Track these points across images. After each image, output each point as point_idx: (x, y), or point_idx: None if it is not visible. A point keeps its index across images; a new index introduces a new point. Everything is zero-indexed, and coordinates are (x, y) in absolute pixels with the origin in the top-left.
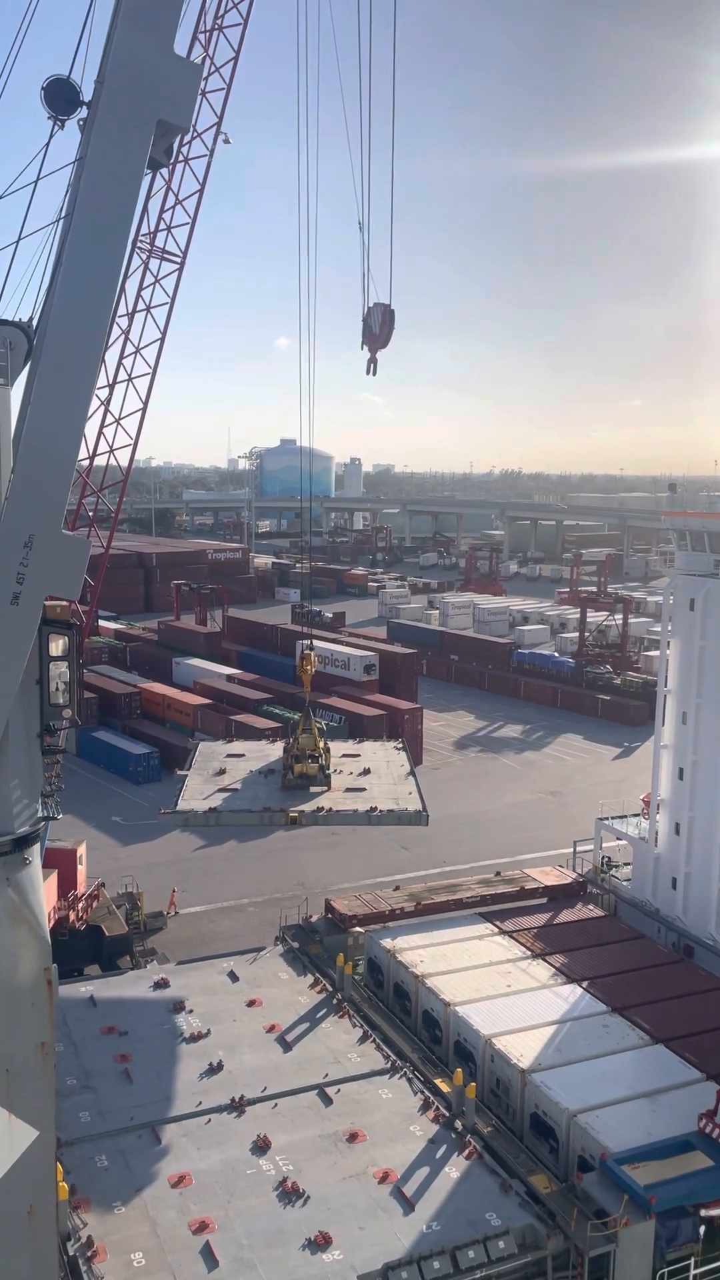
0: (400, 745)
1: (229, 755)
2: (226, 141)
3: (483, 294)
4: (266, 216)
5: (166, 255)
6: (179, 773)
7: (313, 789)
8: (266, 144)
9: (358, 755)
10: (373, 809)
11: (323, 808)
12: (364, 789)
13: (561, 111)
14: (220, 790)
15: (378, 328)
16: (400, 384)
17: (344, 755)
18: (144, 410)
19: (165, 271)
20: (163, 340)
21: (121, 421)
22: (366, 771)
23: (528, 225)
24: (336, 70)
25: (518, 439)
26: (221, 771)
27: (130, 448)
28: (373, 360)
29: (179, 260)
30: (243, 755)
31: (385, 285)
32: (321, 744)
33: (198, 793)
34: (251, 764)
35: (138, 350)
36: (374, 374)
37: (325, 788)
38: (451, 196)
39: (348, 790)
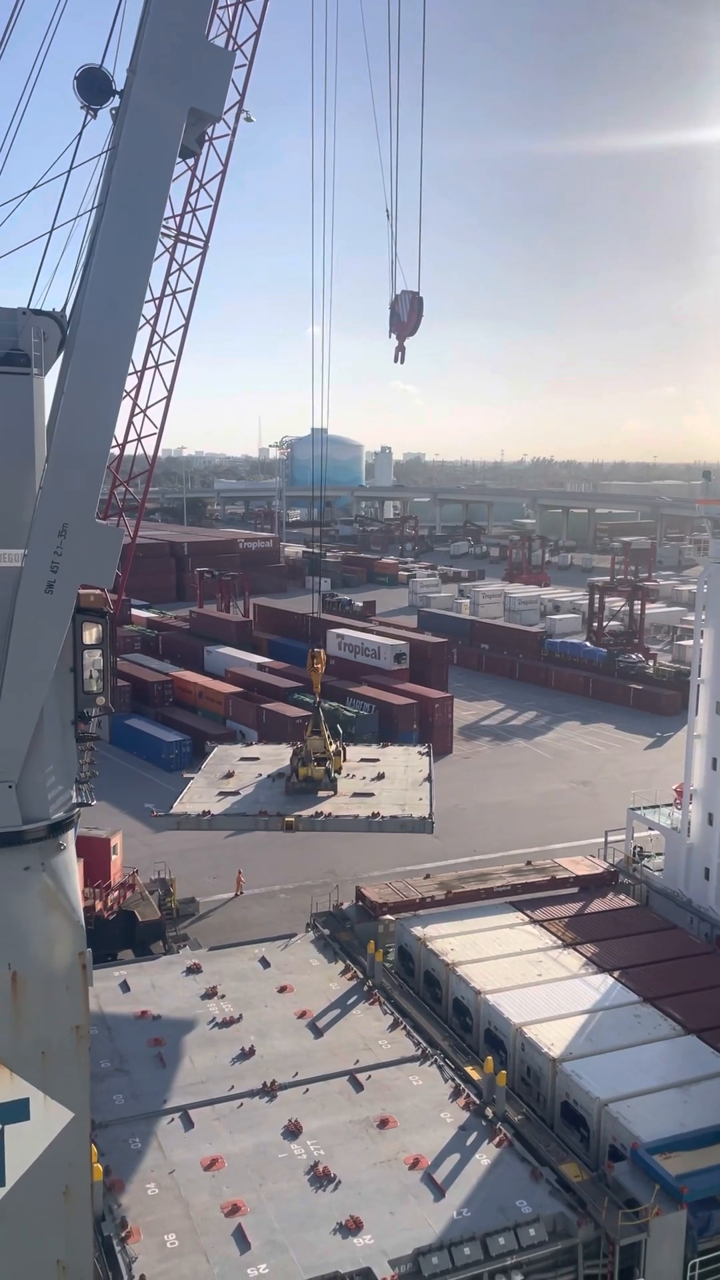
0: (425, 750)
1: (243, 759)
2: (249, 119)
3: (514, 280)
4: (300, 204)
5: (190, 239)
6: (185, 775)
7: (320, 793)
8: (299, 127)
9: (376, 760)
10: (374, 815)
11: (323, 813)
12: (372, 794)
13: (594, 90)
14: (222, 794)
15: (406, 315)
16: (431, 372)
17: (362, 759)
18: (168, 398)
19: (189, 256)
20: (186, 326)
21: (147, 411)
22: (380, 776)
23: (560, 208)
24: (365, 54)
25: (550, 427)
26: (230, 774)
27: (155, 436)
28: (400, 348)
29: (202, 244)
30: (257, 759)
31: (414, 272)
32: (334, 746)
33: (198, 795)
34: (264, 767)
35: (163, 339)
36: (402, 362)
37: (331, 792)
38: (481, 181)
39: (355, 795)
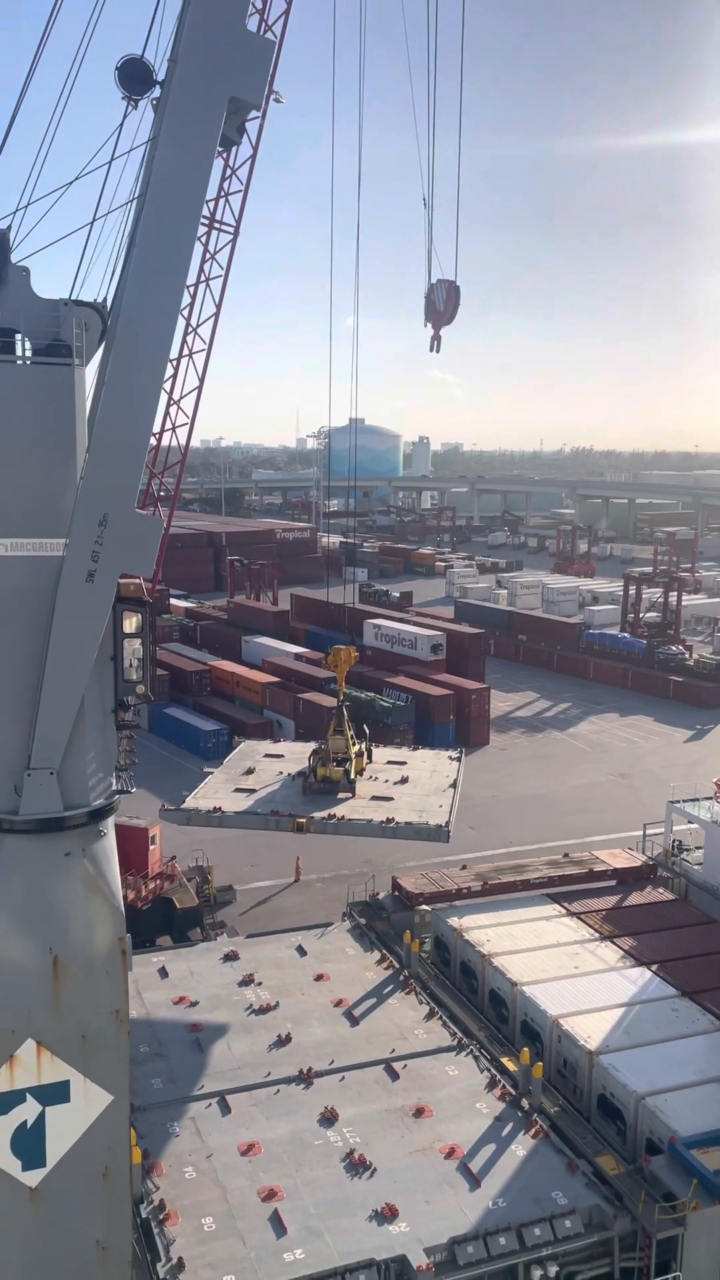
0: (456, 755)
1: (266, 755)
2: (279, 100)
3: (556, 270)
4: (344, 193)
5: (222, 226)
6: (205, 770)
7: (340, 794)
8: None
9: (403, 763)
10: (388, 820)
11: (336, 816)
12: (391, 798)
13: (645, 83)
14: (238, 790)
15: (442, 304)
16: (471, 361)
17: (389, 761)
18: (200, 388)
19: (221, 243)
20: (218, 315)
21: (180, 401)
22: (404, 780)
23: (603, 200)
24: (404, 43)
25: (589, 416)
26: (250, 771)
27: (188, 426)
28: (436, 337)
29: (233, 230)
30: (281, 756)
31: (450, 261)
32: (358, 747)
33: (213, 791)
34: (288, 765)
35: (195, 328)
36: (438, 351)
37: (350, 794)
38: (522, 174)
39: (373, 798)
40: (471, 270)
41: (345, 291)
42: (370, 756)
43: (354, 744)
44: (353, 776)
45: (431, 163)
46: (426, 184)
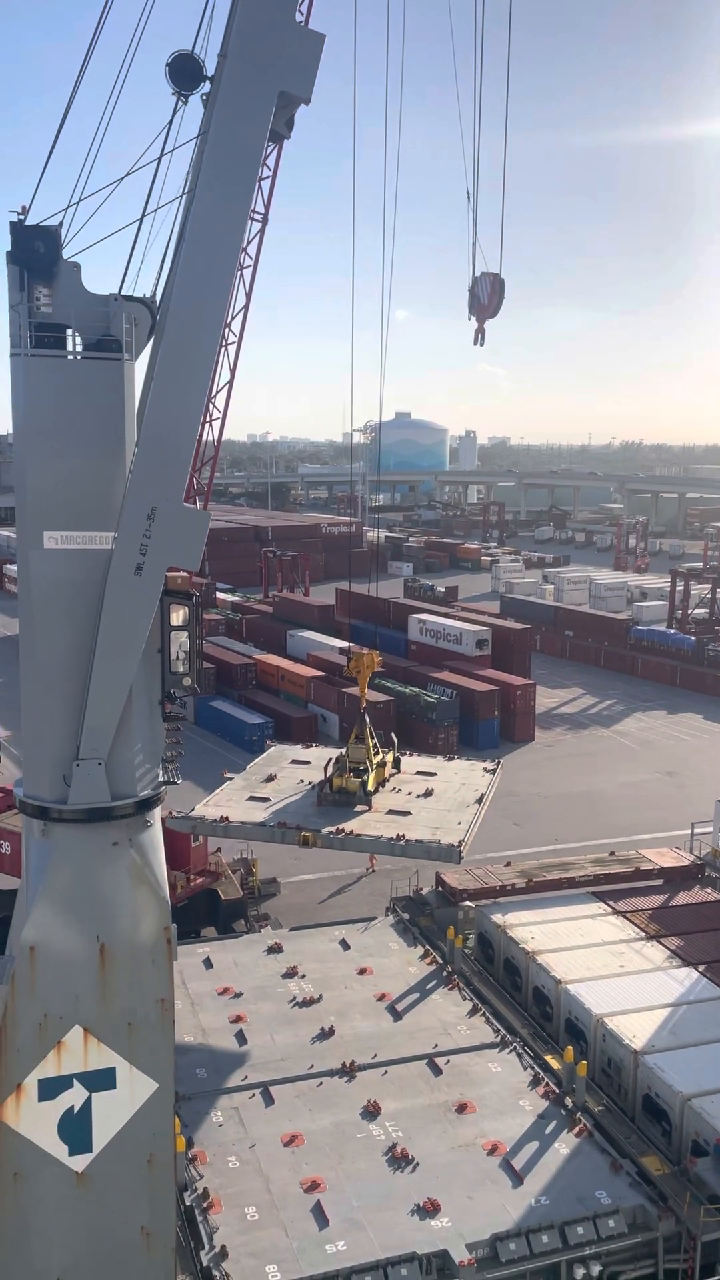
0: (492, 767)
1: (294, 761)
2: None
3: (607, 263)
4: (377, 186)
5: (251, 214)
6: (225, 775)
7: (357, 807)
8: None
9: (434, 774)
10: (398, 837)
11: (345, 830)
12: (409, 813)
13: (693, 74)
14: (252, 799)
15: (486, 297)
16: (519, 355)
17: (418, 772)
18: (231, 383)
19: (251, 233)
20: (247, 308)
21: (214, 397)
22: (429, 793)
23: (653, 193)
24: (449, 30)
25: (639, 409)
26: (271, 778)
27: (220, 421)
28: (480, 330)
29: (262, 219)
30: (308, 763)
31: (495, 254)
32: (380, 756)
33: (226, 798)
34: (313, 773)
35: (227, 323)
36: (481, 344)
37: (366, 807)
38: (569, 164)
39: (390, 812)
40: (519, 263)
41: (393, 287)
42: (399, 766)
43: (379, 753)
44: (370, 788)
45: (476, 155)
46: (470, 177)
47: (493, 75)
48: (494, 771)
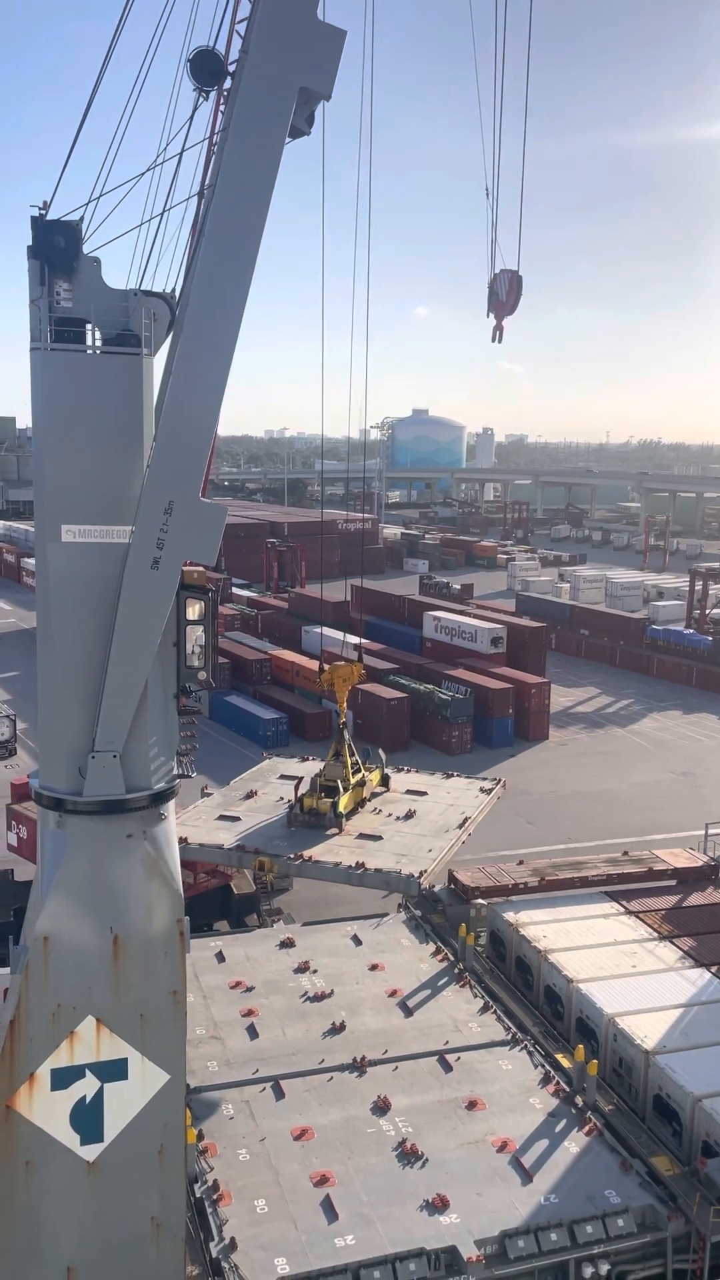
0: (490, 787)
1: (282, 775)
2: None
3: (626, 263)
4: (408, 185)
5: None
6: (205, 791)
7: (329, 830)
8: (410, 115)
9: (424, 794)
10: (356, 865)
11: (303, 856)
12: (380, 838)
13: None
14: (222, 817)
15: (504, 294)
16: (538, 353)
17: (408, 791)
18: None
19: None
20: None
21: None
22: (409, 815)
23: (673, 193)
24: (470, 24)
25: (657, 408)
26: (251, 794)
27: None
28: (499, 327)
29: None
30: (300, 778)
31: (513, 251)
32: (360, 775)
33: (195, 817)
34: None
35: None
36: (499, 341)
37: (336, 830)
38: (589, 164)
39: (360, 836)
40: (539, 261)
41: (414, 284)
42: (387, 784)
43: (359, 771)
44: (342, 809)
45: (497, 152)
46: (489, 174)
47: (513, 73)
48: (490, 791)
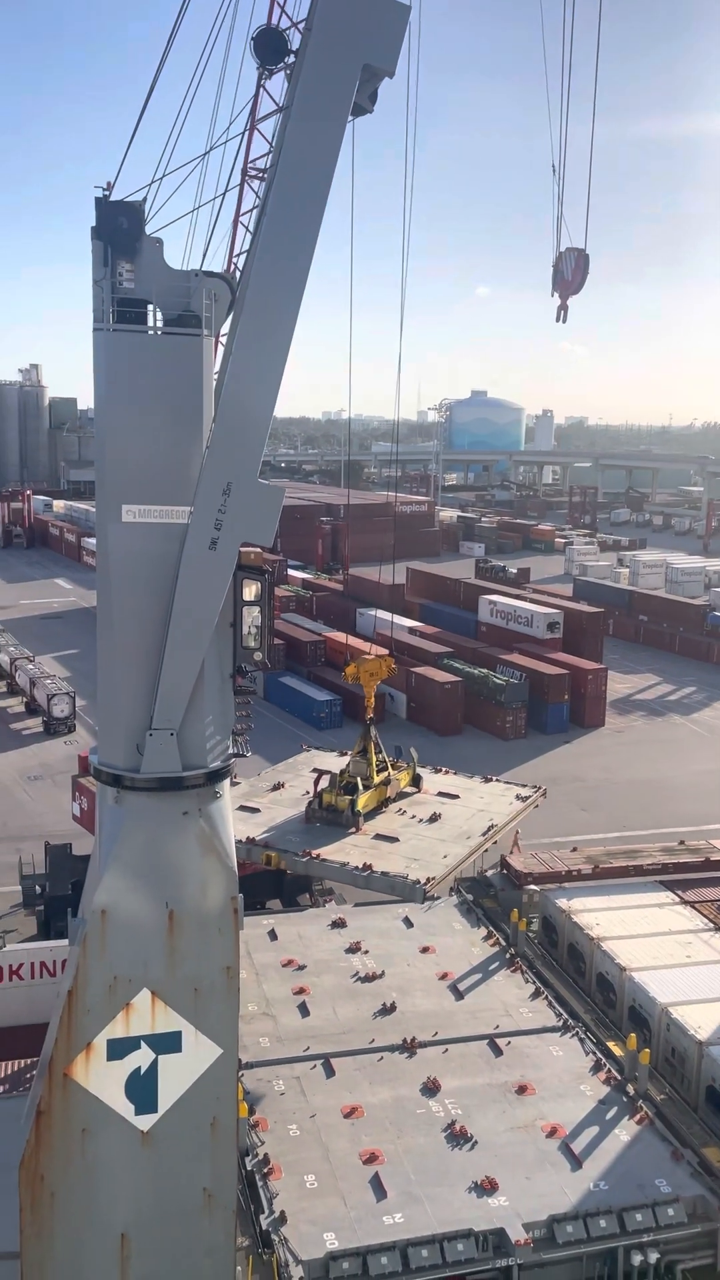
0: (528, 795)
1: (314, 770)
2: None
3: (688, 240)
4: (461, 162)
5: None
6: (233, 780)
7: (346, 829)
8: (458, 86)
9: (455, 796)
10: (363, 867)
11: (311, 854)
12: (396, 839)
13: None
14: (242, 808)
15: (570, 273)
16: (600, 334)
17: (440, 793)
18: None
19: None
20: None
21: None
22: (434, 818)
23: None
24: None
25: None
26: (278, 786)
27: None
28: (563, 307)
29: None
30: (329, 773)
31: (580, 229)
32: (386, 775)
33: None
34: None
35: None
36: (564, 321)
37: (354, 829)
38: (657, 142)
39: (376, 837)
40: (602, 240)
41: (477, 264)
42: (418, 784)
43: (385, 770)
44: (359, 808)
45: (564, 125)
46: (556, 149)
47: (582, 52)
48: (528, 799)
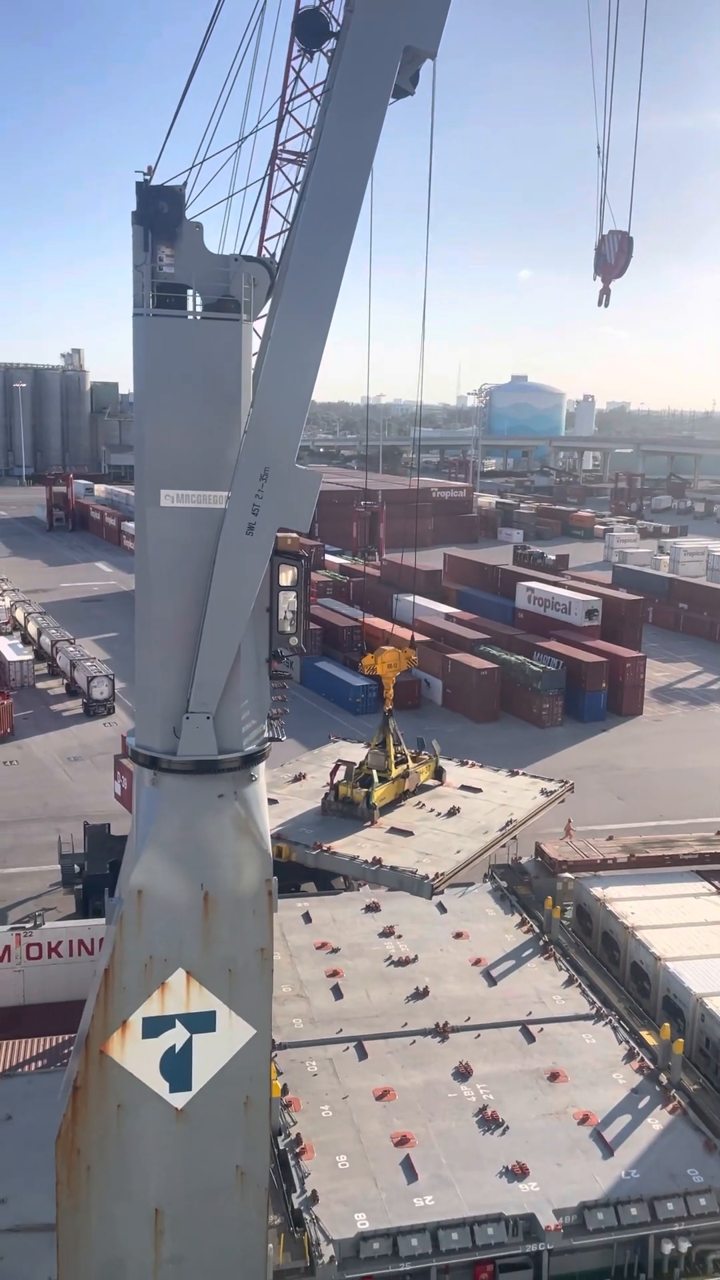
0: (553, 790)
1: (340, 761)
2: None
3: None
4: (507, 144)
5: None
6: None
7: (362, 822)
8: (517, 69)
9: (478, 790)
10: (374, 860)
11: (320, 846)
12: (410, 833)
13: None
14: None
15: (613, 257)
16: (642, 318)
17: (463, 786)
18: None
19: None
20: None
21: None
22: (453, 812)
23: None
24: None
25: None
26: (300, 777)
27: None
28: (606, 291)
29: None
30: (349, 764)
31: (624, 212)
32: (405, 768)
33: None
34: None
35: None
36: (606, 305)
37: (368, 822)
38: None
39: (390, 830)
40: (645, 223)
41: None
42: (441, 777)
43: (404, 763)
44: (375, 801)
45: (609, 104)
46: (601, 130)
47: (627, 30)
48: (553, 794)
